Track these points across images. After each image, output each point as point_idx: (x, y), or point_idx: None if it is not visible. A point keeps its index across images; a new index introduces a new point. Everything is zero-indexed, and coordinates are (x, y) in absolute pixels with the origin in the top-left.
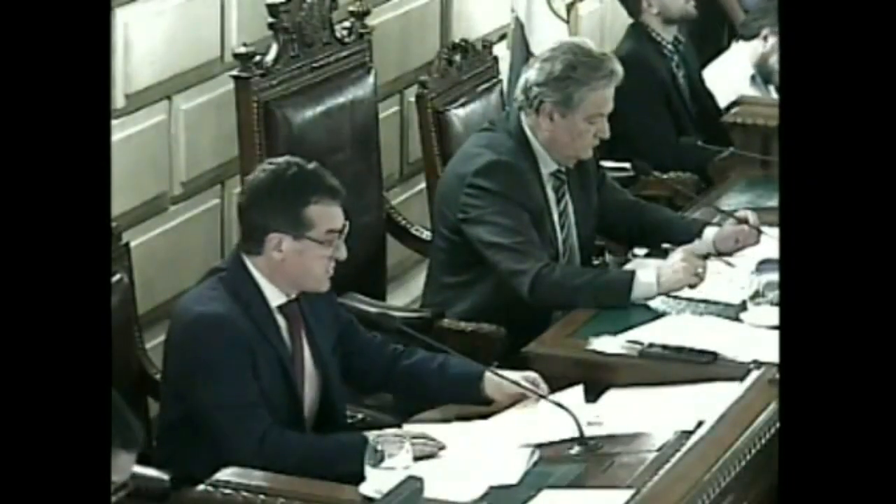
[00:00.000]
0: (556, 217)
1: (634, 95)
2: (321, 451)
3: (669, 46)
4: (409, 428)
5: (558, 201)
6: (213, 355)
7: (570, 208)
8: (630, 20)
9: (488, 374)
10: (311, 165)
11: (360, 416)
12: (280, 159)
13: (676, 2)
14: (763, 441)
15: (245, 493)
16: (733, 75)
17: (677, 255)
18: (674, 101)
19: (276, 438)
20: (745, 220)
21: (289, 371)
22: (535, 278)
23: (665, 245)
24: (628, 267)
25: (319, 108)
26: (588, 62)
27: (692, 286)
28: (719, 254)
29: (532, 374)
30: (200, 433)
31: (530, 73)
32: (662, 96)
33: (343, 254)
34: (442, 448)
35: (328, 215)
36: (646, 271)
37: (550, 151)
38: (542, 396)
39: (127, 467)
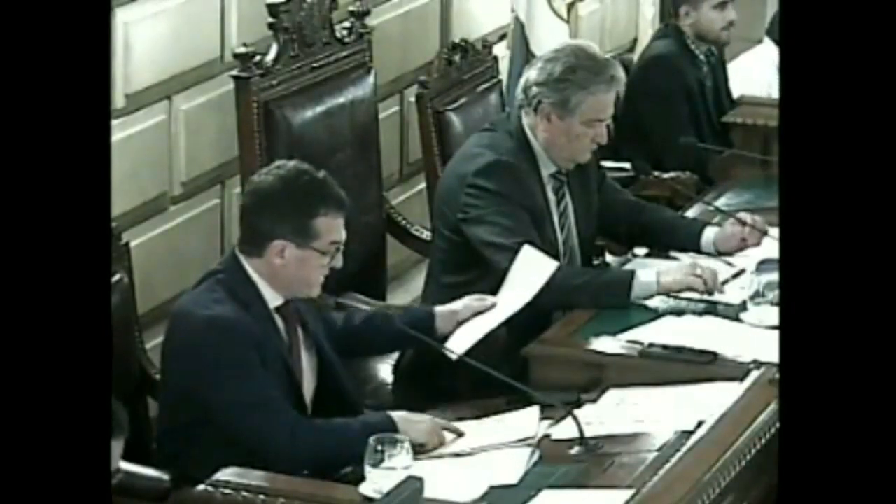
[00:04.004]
0: (555, 218)
1: (660, 95)
2: (352, 433)
3: (702, 57)
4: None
5: (558, 202)
6: (229, 357)
7: (570, 209)
8: (625, 16)
9: (439, 310)
10: (321, 174)
11: None
12: (290, 164)
13: (712, 24)
14: (763, 441)
15: (245, 493)
16: (764, 67)
17: (684, 260)
18: (698, 110)
19: (307, 428)
20: (745, 223)
21: (291, 369)
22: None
23: (672, 253)
24: (628, 267)
25: (319, 108)
26: (589, 66)
27: (693, 289)
28: (720, 254)
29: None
30: (215, 435)
31: (531, 73)
32: (686, 102)
33: (340, 264)
34: (461, 435)
35: (334, 227)
36: (646, 271)
37: (548, 153)
38: (536, 396)
39: (114, 456)
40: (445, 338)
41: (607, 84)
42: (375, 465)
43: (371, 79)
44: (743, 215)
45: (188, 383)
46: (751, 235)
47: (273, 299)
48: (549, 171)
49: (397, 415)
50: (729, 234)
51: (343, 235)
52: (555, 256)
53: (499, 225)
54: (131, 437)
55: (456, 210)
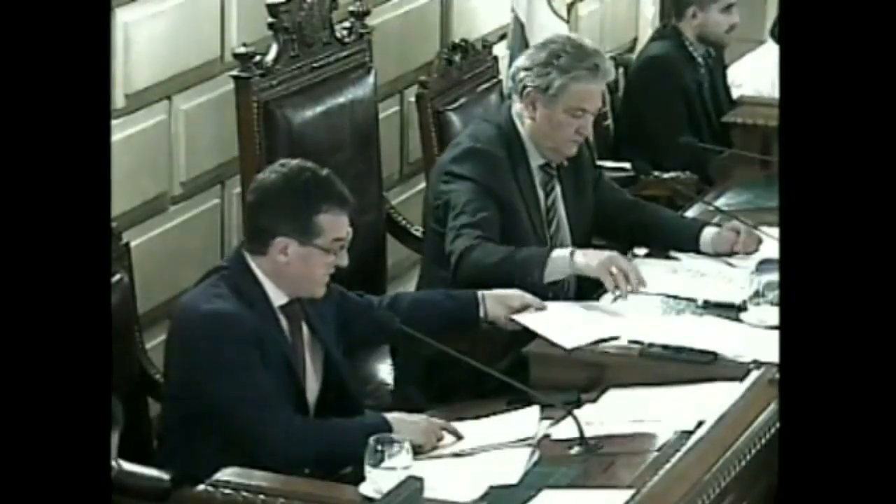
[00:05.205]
0: (543, 212)
1: (657, 96)
2: (347, 433)
3: (700, 59)
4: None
5: (546, 195)
6: (227, 351)
7: (560, 204)
8: (625, 17)
9: (486, 293)
10: (324, 172)
11: None
12: (293, 162)
13: (718, 26)
14: (763, 441)
15: (245, 493)
16: (771, 68)
17: (605, 253)
18: (696, 111)
19: (301, 425)
20: (739, 232)
21: (293, 368)
22: (459, 257)
23: (672, 253)
24: None
25: (319, 108)
26: (573, 53)
27: (607, 283)
28: (717, 255)
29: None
30: (216, 430)
31: (520, 60)
32: (684, 103)
33: (345, 262)
34: (460, 438)
35: (336, 224)
36: (561, 250)
37: (535, 143)
38: (536, 396)
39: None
40: (491, 321)
41: (591, 72)
42: (375, 465)
43: (371, 79)
44: (738, 224)
45: (188, 378)
46: (744, 244)
47: (277, 298)
48: (538, 163)
49: (392, 416)
50: (724, 237)
51: (347, 233)
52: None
53: (460, 207)
54: (132, 438)
55: (435, 200)
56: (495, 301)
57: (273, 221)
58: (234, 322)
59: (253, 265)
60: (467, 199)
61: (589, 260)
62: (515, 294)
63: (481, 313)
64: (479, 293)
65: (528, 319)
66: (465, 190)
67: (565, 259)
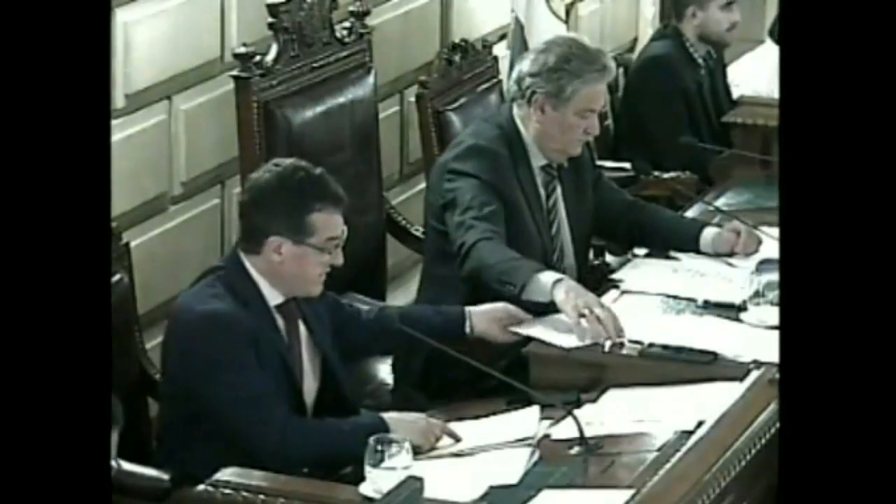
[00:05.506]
0: (545, 212)
1: (657, 97)
2: (343, 434)
3: (700, 60)
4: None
5: (548, 196)
6: (223, 352)
7: (561, 205)
8: (624, 19)
9: (472, 309)
10: (318, 171)
11: None
12: (287, 161)
13: (718, 25)
14: (763, 441)
15: (245, 493)
16: (770, 68)
17: (588, 295)
18: (696, 111)
19: (298, 425)
20: (739, 233)
21: (290, 367)
22: (469, 249)
23: (672, 253)
24: (627, 267)
25: (319, 108)
26: (582, 55)
27: (572, 322)
28: (717, 255)
29: (504, 305)
30: (212, 431)
31: (524, 64)
32: (684, 103)
33: (340, 261)
34: (459, 440)
35: (330, 223)
36: (550, 273)
37: (539, 145)
38: (536, 396)
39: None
40: (478, 336)
41: (600, 73)
42: (375, 465)
43: (371, 79)
44: (738, 225)
45: (184, 378)
46: (744, 244)
47: (273, 297)
48: (540, 164)
49: (390, 416)
50: (724, 237)
51: (341, 232)
52: (542, 251)
53: (466, 203)
54: (131, 438)
55: (438, 197)
56: (481, 316)
57: (267, 221)
58: (229, 322)
59: (248, 265)
60: (472, 194)
61: (567, 296)
62: (500, 307)
63: (467, 329)
64: (466, 309)
65: (525, 329)
66: (470, 186)
67: (547, 285)
